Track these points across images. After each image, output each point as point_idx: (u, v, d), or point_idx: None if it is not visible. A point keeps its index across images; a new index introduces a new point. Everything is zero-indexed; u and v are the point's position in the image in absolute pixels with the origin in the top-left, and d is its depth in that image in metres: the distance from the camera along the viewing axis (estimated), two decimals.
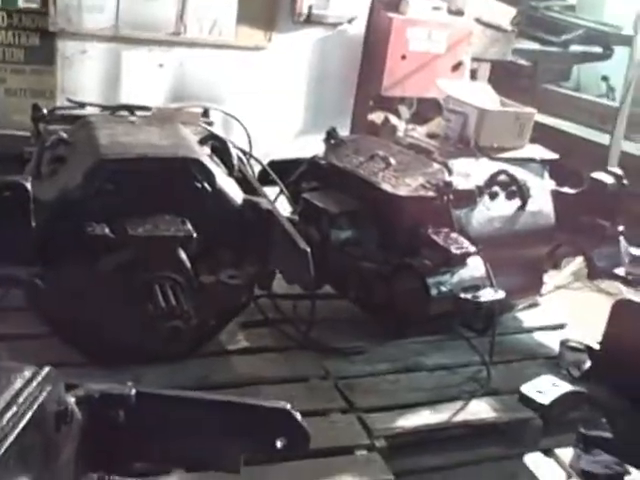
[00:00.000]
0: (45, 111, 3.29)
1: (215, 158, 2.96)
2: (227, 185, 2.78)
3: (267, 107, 4.50)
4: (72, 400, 1.33)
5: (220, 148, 3.04)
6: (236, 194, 2.77)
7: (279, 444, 1.45)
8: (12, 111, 4.07)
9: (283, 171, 3.41)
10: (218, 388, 2.65)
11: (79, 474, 1.33)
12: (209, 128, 3.32)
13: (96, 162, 2.61)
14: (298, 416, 1.46)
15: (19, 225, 2.42)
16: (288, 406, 1.47)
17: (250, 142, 3.52)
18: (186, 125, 3.22)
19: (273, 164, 3.42)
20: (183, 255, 2.55)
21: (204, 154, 2.83)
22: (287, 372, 2.88)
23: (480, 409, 2.80)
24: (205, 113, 3.54)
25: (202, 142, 3.03)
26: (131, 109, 3.31)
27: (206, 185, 2.68)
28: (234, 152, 3.04)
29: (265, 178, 3.30)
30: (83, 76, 4.17)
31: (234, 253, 2.71)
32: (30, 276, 2.44)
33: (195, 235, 2.54)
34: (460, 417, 2.74)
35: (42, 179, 2.77)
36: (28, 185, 2.40)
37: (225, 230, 2.69)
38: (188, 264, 2.56)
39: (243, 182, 2.96)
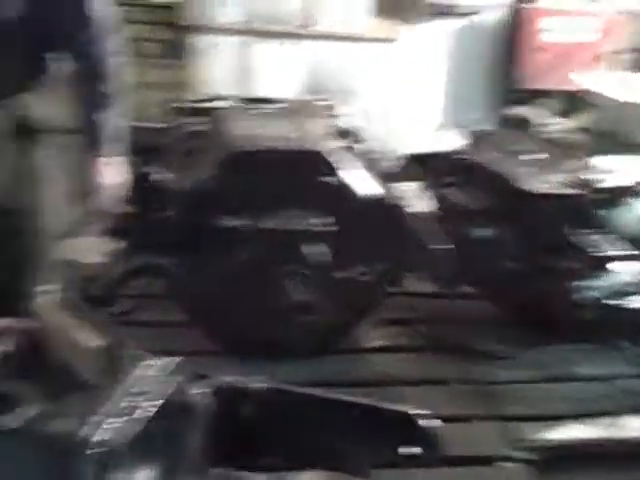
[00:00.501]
0: (180, 104, 3.32)
1: (344, 152, 2.88)
2: (356, 179, 2.69)
3: (400, 100, 4.38)
4: (202, 392, 1.28)
5: (352, 141, 2.96)
6: (365, 189, 2.68)
7: (403, 450, 1.38)
8: (148, 104, 4.10)
9: (422, 165, 3.29)
10: (354, 386, 2.54)
11: (204, 466, 1.28)
12: (341, 121, 3.23)
13: (227, 155, 2.60)
14: (424, 422, 1.38)
15: (156, 216, 2.44)
16: (412, 411, 1.39)
17: (383, 136, 3.42)
18: (317, 118, 3.16)
19: (412, 158, 3.31)
20: (313, 249, 2.49)
21: (331, 147, 2.75)
22: (426, 374, 2.74)
23: None
24: (337, 106, 3.47)
25: (333, 135, 2.96)
26: (262, 102, 3.27)
27: (333, 179, 2.61)
28: (365, 145, 2.95)
29: (403, 172, 3.20)
30: (216, 69, 4.19)
31: (364, 249, 2.62)
32: (167, 266, 2.45)
33: (324, 230, 2.47)
34: (616, 433, 2.50)
35: (177, 171, 2.78)
36: (163, 177, 2.41)
37: (354, 225, 2.61)
38: (318, 259, 2.49)
39: (375, 176, 2.86)
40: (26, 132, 2.06)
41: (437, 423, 1.41)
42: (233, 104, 3.31)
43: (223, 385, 1.34)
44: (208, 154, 2.69)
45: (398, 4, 4.42)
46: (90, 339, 1.18)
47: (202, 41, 4.12)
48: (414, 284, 2.85)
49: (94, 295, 2.34)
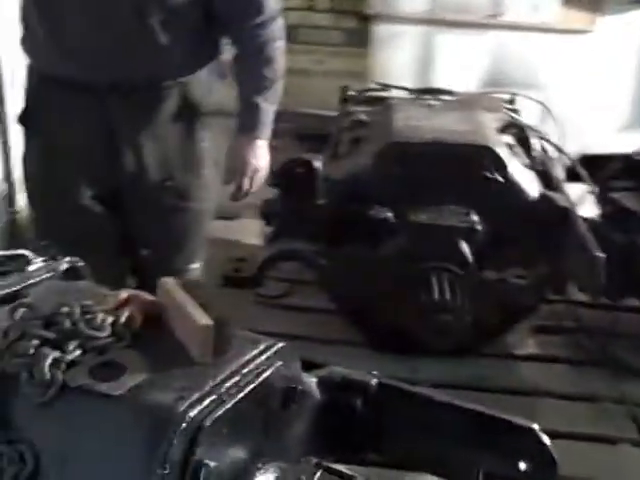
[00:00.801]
0: (353, 93, 3.34)
1: (515, 148, 2.77)
2: (522, 177, 2.57)
3: (589, 96, 4.14)
4: (312, 380, 1.28)
5: (522, 137, 2.85)
6: (532, 188, 2.56)
7: (523, 466, 1.29)
8: (328, 92, 4.18)
9: (595, 167, 3.09)
10: (495, 392, 2.47)
11: (305, 455, 1.29)
12: (513, 115, 3.11)
13: (386, 144, 2.58)
14: (546, 439, 1.29)
15: (308, 202, 2.47)
16: (535, 426, 1.30)
17: (563, 133, 3.24)
18: (489, 111, 3.06)
19: (584, 159, 3.12)
20: (465, 247, 2.42)
21: (500, 143, 2.65)
22: (575, 388, 2.60)
23: None
24: (512, 100, 3.34)
25: (502, 130, 2.85)
26: (435, 93, 3.23)
27: (497, 175, 2.51)
28: (537, 142, 2.82)
29: (574, 173, 3.03)
30: (397, 59, 4.17)
31: (524, 251, 2.51)
32: (315, 253, 2.49)
33: (480, 228, 2.40)
34: None
35: (338, 159, 2.81)
36: (317, 163, 2.44)
37: (516, 225, 2.50)
38: (470, 257, 2.42)
39: (544, 176, 2.73)
40: (190, 113, 2.14)
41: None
42: (406, 94, 3.30)
43: (334, 375, 1.33)
44: (370, 143, 2.70)
45: None
46: (203, 318, 1.22)
47: (385, 30, 4.12)
48: (578, 292, 2.69)
49: (243, 276, 2.43)
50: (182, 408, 1.09)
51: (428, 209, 2.45)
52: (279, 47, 2.17)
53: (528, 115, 3.33)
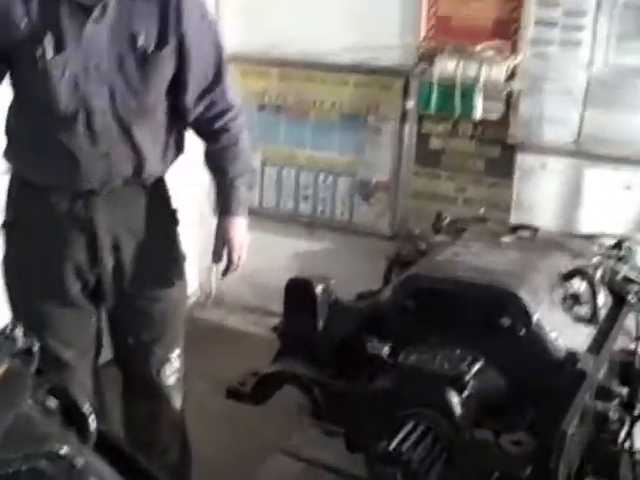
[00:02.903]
0: (447, 220, 3.21)
1: (569, 299, 2.46)
2: (555, 333, 2.26)
3: None
4: None
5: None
6: (558, 348, 2.24)
7: None
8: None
9: None
10: None
11: None
12: (606, 262, 2.76)
13: (406, 276, 2.45)
14: None
15: (307, 324, 2.42)
16: None
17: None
18: (573, 256, 2.75)
19: None
20: (454, 398, 2.17)
21: (538, 290, 2.36)
22: None
23: None
24: (619, 244, 2.97)
25: (566, 277, 2.55)
26: (524, 229, 2.98)
27: (519, 325, 2.24)
28: (601, 297, 2.48)
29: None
30: (540, 191, 3.90)
31: (532, 414, 2.19)
32: (310, 380, 2.40)
33: (470, 378, 2.14)
34: None
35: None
36: (316, 286, 2.38)
37: (527, 383, 2.19)
38: (457, 409, 2.16)
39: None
40: (162, 208, 2.50)
41: None
42: (490, 226, 3.09)
43: None
44: (402, 274, 2.57)
45: None
46: None
47: (529, 161, 3.91)
48: None
49: (243, 392, 2.42)
50: None
51: (427, 350, 2.25)
52: (247, 138, 2.52)
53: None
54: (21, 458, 1.07)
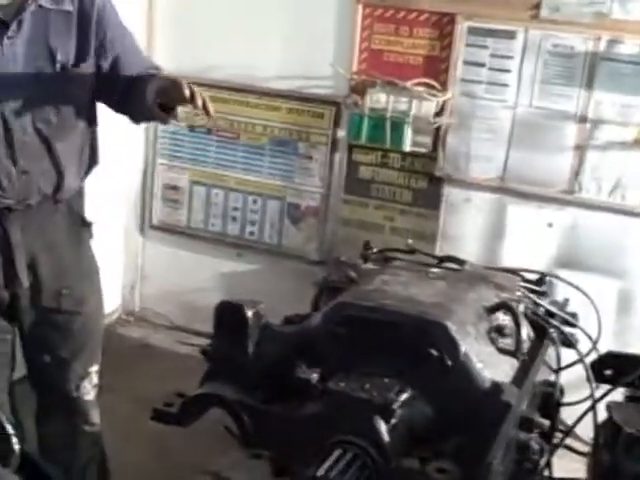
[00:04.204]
0: (373, 250, 3.26)
1: (493, 331, 2.53)
2: (481, 363, 2.32)
3: None
4: None
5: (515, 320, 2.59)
6: (486, 376, 2.30)
7: None
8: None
9: (619, 367, 2.73)
10: None
11: None
12: (513, 297, 2.83)
13: (337, 303, 2.47)
14: None
15: (237, 347, 2.41)
16: None
17: (599, 325, 2.93)
18: (497, 289, 2.83)
19: (608, 357, 2.78)
20: (381, 426, 2.19)
21: (465, 322, 2.42)
22: None
23: None
24: (541, 280, 3.07)
25: (491, 310, 2.62)
26: (452, 261, 3.05)
27: (447, 355, 2.29)
28: (525, 330, 2.56)
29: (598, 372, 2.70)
30: (465, 225, 4.01)
31: (458, 443, 2.23)
32: (236, 401, 2.39)
33: (398, 407, 2.17)
34: None
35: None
36: (247, 311, 2.38)
37: (454, 413, 2.24)
38: (385, 437, 2.18)
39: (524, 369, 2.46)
40: (77, 223, 2.52)
41: None
42: (417, 258, 3.15)
43: None
44: (332, 301, 2.59)
45: None
46: None
47: (455, 194, 4.02)
48: None
49: (169, 412, 2.38)
50: None
51: (357, 377, 2.27)
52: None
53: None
54: None
